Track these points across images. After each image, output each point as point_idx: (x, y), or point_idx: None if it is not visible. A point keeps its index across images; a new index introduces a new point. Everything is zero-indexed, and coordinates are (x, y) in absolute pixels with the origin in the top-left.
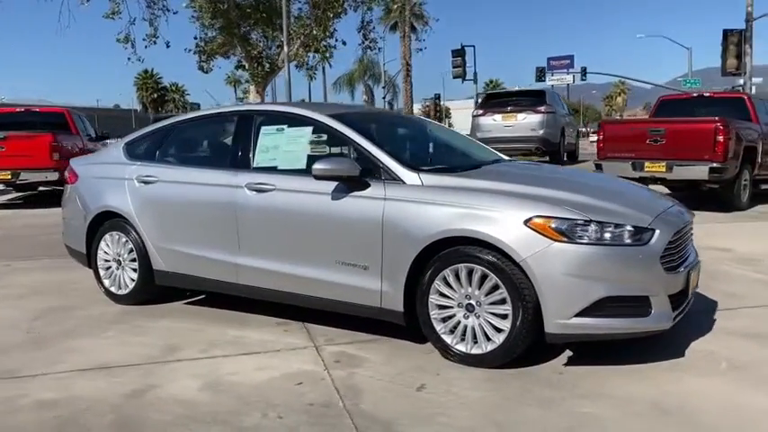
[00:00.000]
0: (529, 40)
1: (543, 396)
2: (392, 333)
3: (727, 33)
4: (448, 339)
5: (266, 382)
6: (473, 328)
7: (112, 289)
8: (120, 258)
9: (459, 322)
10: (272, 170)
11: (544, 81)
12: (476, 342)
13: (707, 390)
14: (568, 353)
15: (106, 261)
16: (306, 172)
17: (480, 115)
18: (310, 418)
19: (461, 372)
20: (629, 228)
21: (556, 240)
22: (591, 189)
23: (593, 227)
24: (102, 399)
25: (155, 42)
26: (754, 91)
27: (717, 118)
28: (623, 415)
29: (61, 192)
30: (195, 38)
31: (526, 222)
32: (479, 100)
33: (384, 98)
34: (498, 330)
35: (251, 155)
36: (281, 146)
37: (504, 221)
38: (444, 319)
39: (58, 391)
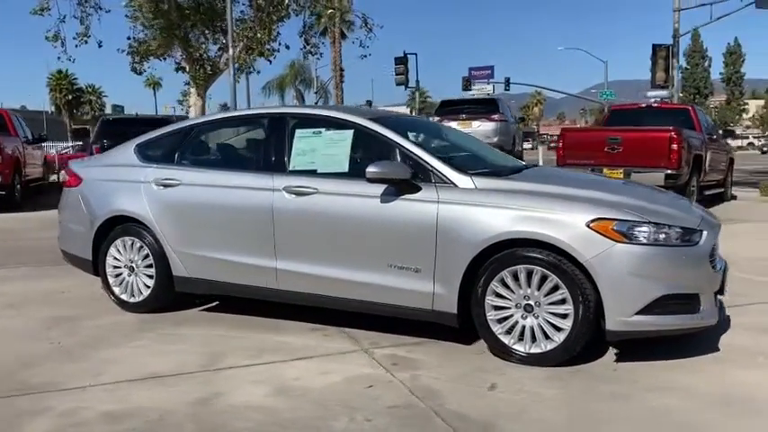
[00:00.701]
0: (452, 50)
1: (610, 391)
2: (433, 335)
3: (656, 48)
4: (505, 340)
5: (334, 386)
6: (532, 328)
7: (123, 297)
8: (134, 265)
9: (516, 322)
10: (311, 173)
11: (470, 90)
12: (534, 341)
13: (757, 381)
14: (611, 350)
15: (116, 268)
16: (349, 175)
17: (437, 122)
18: (398, 420)
19: (522, 371)
20: (682, 229)
21: (617, 241)
22: (634, 193)
23: (650, 228)
24: (170, 409)
25: (86, 42)
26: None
27: (671, 128)
28: (694, 406)
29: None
30: (128, 38)
31: (588, 224)
32: (430, 107)
33: (316, 104)
34: (558, 329)
35: (286, 158)
36: (320, 149)
37: (567, 224)
38: (500, 320)
39: (117, 402)
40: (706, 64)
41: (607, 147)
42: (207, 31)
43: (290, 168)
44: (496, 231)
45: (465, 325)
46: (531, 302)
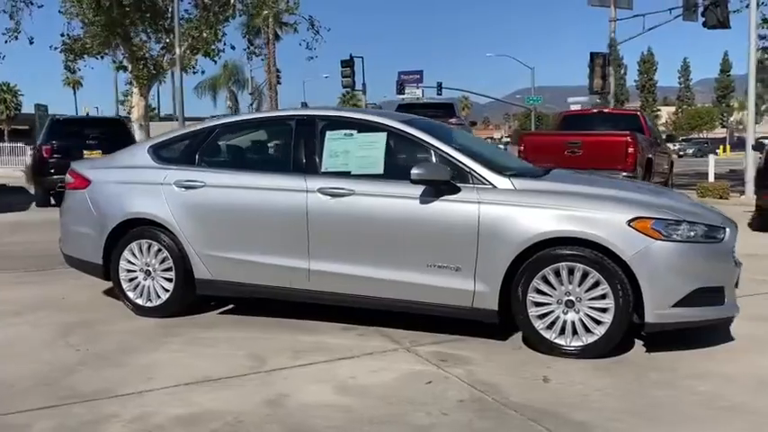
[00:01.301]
0: (385, 54)
1: (656, 379)
2: (466, 332)
3: (593, 56)
4: (546, 334)
5: (393, 383)
6: (573, 323)
7: (139, 301)
8: (150, 268)
9: (557, 318)
10: (345, 175)
11: (404, 93)
12: (575, 335)
13: None
14: (638, 342)
15: (130, 272)
16: (384, 177)
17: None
18: (473, 413)
19: (565, 363)
20: (709, 226)
21: (656, 239)
22: (661, 194)
23: (685, 226)
24: (243, 410)
25: (16, 38)
26: (579, 109)
27: (627, 132)
28: (736, 390)
29: None
30: (62, 35)
31: (629, 223)
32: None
33: (251, 105)
34: (598, 323)
35: (318, 159)
36: (353, 151)
37: (609, 223)
38: (542, 316)
39: (184, 405)
40: (622, 72)
41: (567, 150)
42: (150, 30)
43: (323, 170)
44: (541, 230)
45: (501, 321)
46: (573, 298)
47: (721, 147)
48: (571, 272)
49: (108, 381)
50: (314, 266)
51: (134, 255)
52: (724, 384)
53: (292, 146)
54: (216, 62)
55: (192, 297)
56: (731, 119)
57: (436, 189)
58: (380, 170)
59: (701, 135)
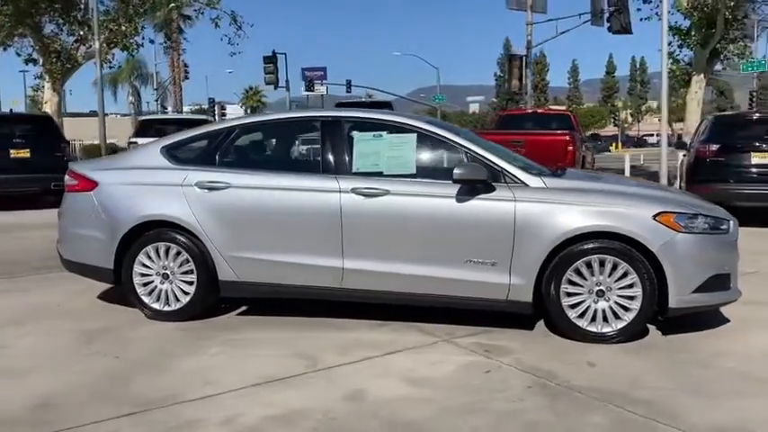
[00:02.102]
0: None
1: (686, 360)
2: (492, 323)
3: (511, 58)
4: (579, 322)
5: (455, 374)
6: (603, 311)
7: (155, 306)
8: (168, 271)
9: (589, 307)
10: (377, 175)
11: (312, 91)
12: (606, 322)
13: None
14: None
15: (145, 276)
16: (417, 176)
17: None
18: (546, 398)
19: (598, 349)
20: (718, 218)
21: (678, 231)
22: (665, 189)
23: (701, 219)
24: (327, 407)
25: None
26: (477, 108)
27: (566, 131)
28: (764, 365)
29: None
30: None
31: (655, 217)
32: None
33: (157, 101)
34: (627, 310)
35: (348, 160)
36: (383, 152)
37: (637, 217)
38: (574, 306)
39: (266, 406)
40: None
41: (511, 149)
42: (62, 21)
43: (354, 170)
44: (576, 225)
45: (537, 312)
46: (603, 288)
47: (613, 144)
48: (602, 264)
49: (168, 386)
50: (348, 265)
51: (150, 258)
52: (747, 361)
53: (320, 146)
54: (134, 56)
55: (213, 300)
56: (622, 117)
57: (473, 188)
58: (413, 170)
59: (592, 133)
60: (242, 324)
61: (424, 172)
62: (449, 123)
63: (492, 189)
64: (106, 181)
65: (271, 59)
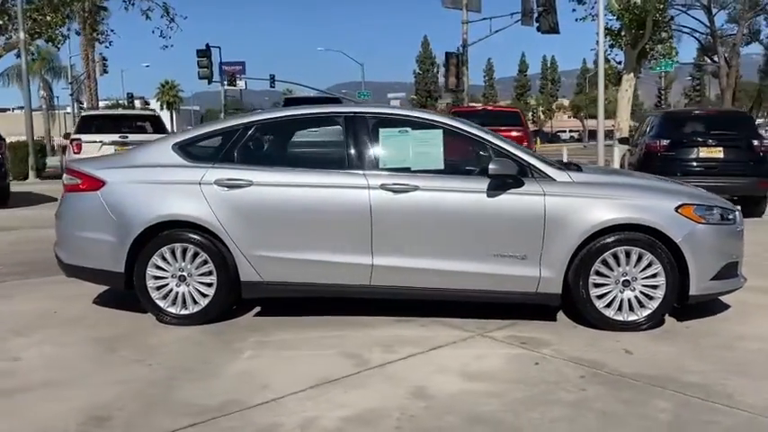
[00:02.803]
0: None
1: (713, 343)
2: (515, 316)
3: (448, 56)
4: (606, 312)
5: (507, 367)
6: (629, 300)
7: (171, 310)
8: (185, 273)
9: (615, 296)
10: (404, 171)
11: (235, 86)
12: (631, 310)
13: None
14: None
15: (159, 279)
16: (445, 172)
17: None
18: (602, 385)
19: (627, 337)
20: (726, 209)
21: (697, 222)
22: (677, 183)
23: (716, 210)
24: (398, 405)
25: None
26: (399, 105)
27: (521, 127)
28: None
29: None
30: None
31: (677, 209)
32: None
33: (72, 95)
34: (651, 298)
35: (374, 156)
36: (410, 148)
37: (661, 210)
38: (601, 296)
39: (337, 407)
40: (435, 70)
41: None
42: None
43: (381, 166)
44: (605, 218)
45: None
46: (629, 278)
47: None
48: (628, 255)
49: (222, 392)
50: (377, 262)
51: (165, 260)
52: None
53: (345, 142)
54: (59, 48)
55: (231, 302)
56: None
57: (503, 183)
58: (441, 166)
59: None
60: (265, 325)
61: (451, 167)
62: (467, 120)
63: (521, 184)
64: (115, 180)
65: (205, 53)
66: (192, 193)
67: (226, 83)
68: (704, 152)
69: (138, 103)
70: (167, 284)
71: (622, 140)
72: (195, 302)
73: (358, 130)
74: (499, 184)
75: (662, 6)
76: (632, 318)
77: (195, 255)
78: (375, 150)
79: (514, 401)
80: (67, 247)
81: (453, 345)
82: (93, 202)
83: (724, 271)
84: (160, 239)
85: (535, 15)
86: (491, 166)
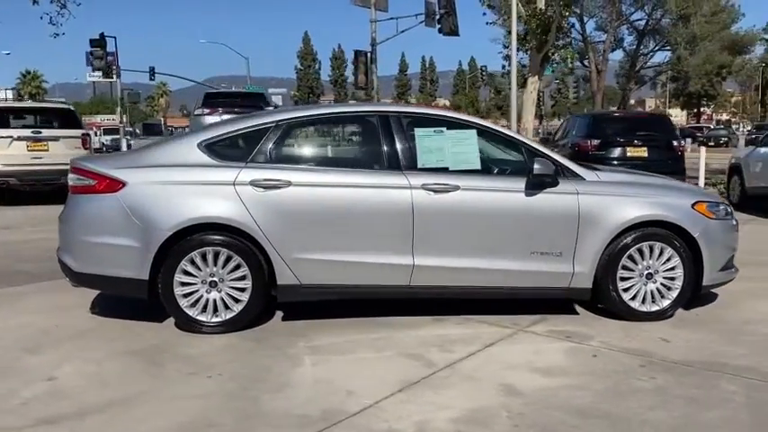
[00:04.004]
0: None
1: (729, 329)
2: (543, 311)
3: (357, 54)
4: (631, 303)
5: (570, 360)
6: (652, 292)
7: (201, 318)
8: (217, 278)
9: (640, 289)
10: (443, 171)
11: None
12: (654, 302)
13: None
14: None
15: (187, 285)
16: (482, 172)
17: (207, 114)
18: (665, 373)
19: (652, 326)
20: (727, 205)
21: (710, 218)
22: (680, 181)
23: (722, 207)
24: (499, 403)
25: None
26: (280, 101)
27: None
28: None
29: None
30: None
31: (692, 206)
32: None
33: None
34: (670, 289)
35: (411, 155)
36: (446, 147)
37: (680, 207)
38: (626, 289)
39: (439, 409)
40: (317, 66)
41: None
42: None
43: (420, 166)
44: (633, 215)
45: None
46: (651, 271)
47: None
48: (651, 249)
49: (311, 402)
50: (418, 262)
51: (194, 265)
52: None
53: (381, 142)
54: None
55: (264, 307)
56: None
57: (541, 182)
58: (477, 165)
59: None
60: (303, 329)
61: (488, 167)
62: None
63: (557, 183)
64: (136, 180)
65: (99, 43)
66: (226, 194)
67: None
68: (630, 151)
69: (8, 94)
70: (197, 291)
71: (542, 140)
72: (227, 309)
73: (395, 129)
74: (537, 184)
75: (567, 14)
76: (655, 308)
77: (228, 259)
78: (412, 150)
79: (602, 393)
80: (78, 254)
81: (502, 342)
82: (112, 204)
83: (727, 263)
84: (190, 243)
85: (437, 17)
86: (536, 166)
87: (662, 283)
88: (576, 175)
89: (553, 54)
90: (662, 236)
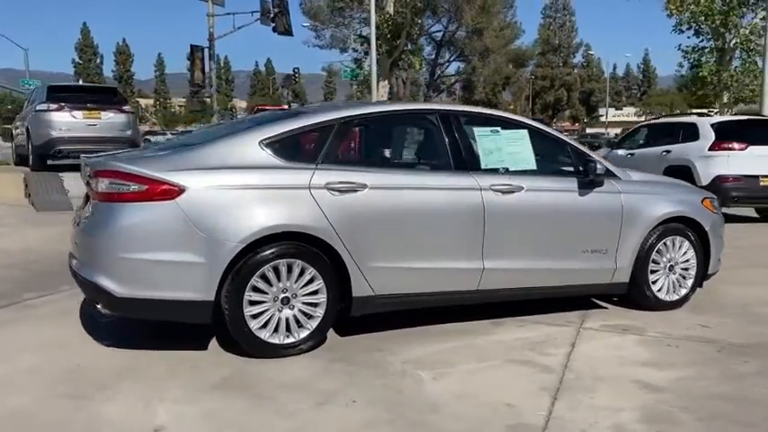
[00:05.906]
0: None
1: (741, 313)
2: (571, 308)
3: (193, 49)
4: (659, 294)
5: (651, 353)
6: (672, 282)
7: (274, 340)
8: (289, 294)
9: (664, 281)
10: (505, 171)
11: None
12: (674, 291)
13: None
14: None
15: (257, 304)
16: (539, 172)
17: (53, 110)
18: (751, 359)
19: (677, 314)
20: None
21: (714, 213)
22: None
23: (717, 202)
24: (662, 399)
25: None
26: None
27: None
28: None
29: None
30: None
31: (702, 202)
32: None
33: None
34: (685, 279)
35: (474, 156)
36: (503, 147)
37: (695, 203)
38: (654, 282)
39: (616, 411)
40: (98, 60)
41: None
42: None
43: (483, 167)
44: (663, 212)
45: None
46: (672, 263)
47: None
48: (673, 243)
49: (481, 417)
50: (487, 265)
51: (266, 281)
52: None
53: (446, 142)
54: None
55: (333, 321)
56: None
57: (591, 182)
58: (533, 165)
59: None
60: (379, 343)
61: (542, 167)
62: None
63: (603, 182)
64: (198, 185)
65: None
66: (302, 198)
67: None
68: None
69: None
70: (267, 310)
71: None
72: (300, 327)
73: (456, 129)
74: (587, 183)
75: (419, 21)
76: (675, 297)
77: (302, 271)
78: (474, 150)
79: (722, 380)
80: (123, 275)
81: (580, 340)
82: (169, 213)
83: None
84: (265, 256)
85: (271, 15)
86: (598, 167)
87: (680, 274)
88: (613, 175)
89: (400, 59)
90: (680, 230)
